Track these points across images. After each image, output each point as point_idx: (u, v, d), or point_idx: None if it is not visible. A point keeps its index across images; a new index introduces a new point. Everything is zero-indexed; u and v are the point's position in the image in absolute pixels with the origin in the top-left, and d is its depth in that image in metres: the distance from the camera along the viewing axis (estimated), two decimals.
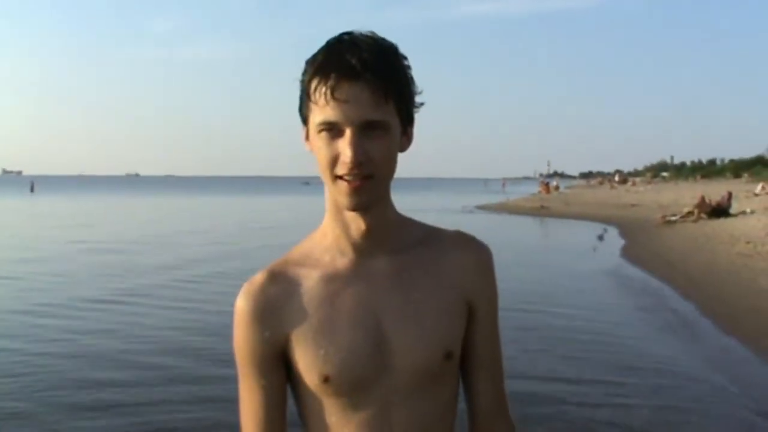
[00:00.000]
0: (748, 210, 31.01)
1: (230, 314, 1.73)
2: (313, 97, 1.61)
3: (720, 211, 31.12)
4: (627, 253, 23.05)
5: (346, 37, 1.64)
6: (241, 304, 1.73)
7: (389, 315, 1.71)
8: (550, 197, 64.33)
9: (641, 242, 25.61)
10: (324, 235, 1.78)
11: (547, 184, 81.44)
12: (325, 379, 1.67)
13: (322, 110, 1.60)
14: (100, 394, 8.73)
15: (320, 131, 1.62)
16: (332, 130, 1.60)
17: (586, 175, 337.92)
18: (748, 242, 20.87)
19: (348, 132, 1.60)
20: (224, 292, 14.04)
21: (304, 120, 1.68)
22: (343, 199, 1.64)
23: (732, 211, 31.34)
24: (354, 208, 1.66)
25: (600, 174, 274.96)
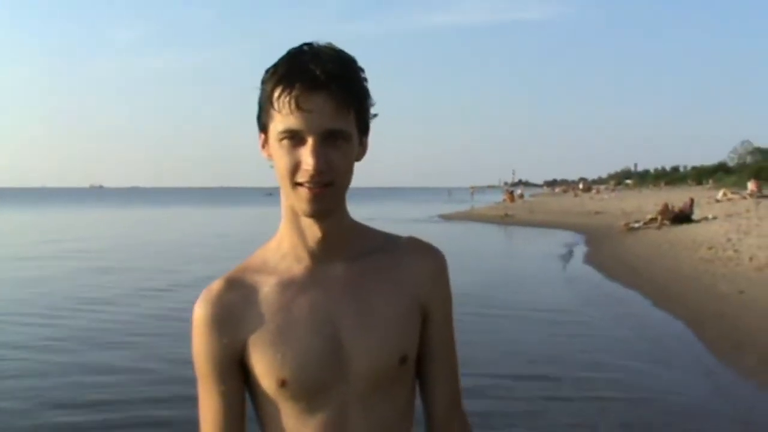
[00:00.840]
0: (710, 216, 31.30)
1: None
2: (276, 106, 1.63)
3: (683, 217, 31.40)
4: (591, 260, 23.16)
5: (306, 47, 1.66)
6: (199, 312, 1.75)
7: (345, 321, 1.73)
8: (515, 206, 64.60)
9: (605, 249, 25.78)
10: (280, 243, 1.80)
11: (511, 193, 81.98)
12: (282, 383, 1.69)
13: (285, 119, 1.62)
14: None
15: (282, 139, 1.64)
16: (294, 138, 1.63)
17: (551, 183, 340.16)
18: (710, 248, 21.05)
19: (310, 140, 1.63)
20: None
21: (263, 127, 1.70)
22: (303, 206, 1.67)
23: (694, 217, 31.62)
24: (313, 215, 1.69)
25: (564, 182, 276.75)
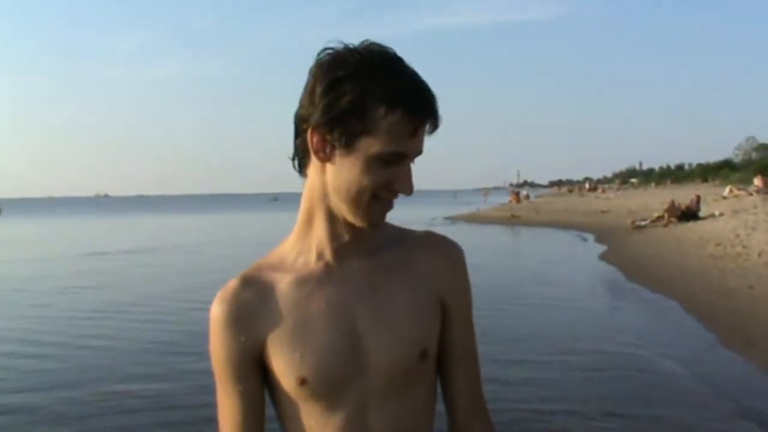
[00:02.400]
0: (717, 213, 31.19)
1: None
2: (384, 127, 1.59)
3: (689, 214, 31.34)
4: (604, 258, 23.12)
5: (399, 62, 1.64)
6: (216, 311, 1.73)
7: (364, 316, 1.71)
8: (521, 206, 64.56)
9: (613, 247, 25.69)
10: (297, 240, 1.79)
11: (517, 194, 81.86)
12: (302, 382, 1.67)
13: (394, 143, 1.60)
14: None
15: (380, 158, 1.61)
16: (393, 159, 1.62)
17: (556, 184, 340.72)
18: (717, 244, 21.00)
19: (406, 162, 1.65)
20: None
21: (342, 135, 1.62)
22: (371, 219, 1.69)
23: (701, 214, 31.55)
24: (376, 227, 1.72)
25: (569, 182, 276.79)
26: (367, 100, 1.58)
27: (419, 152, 1.66)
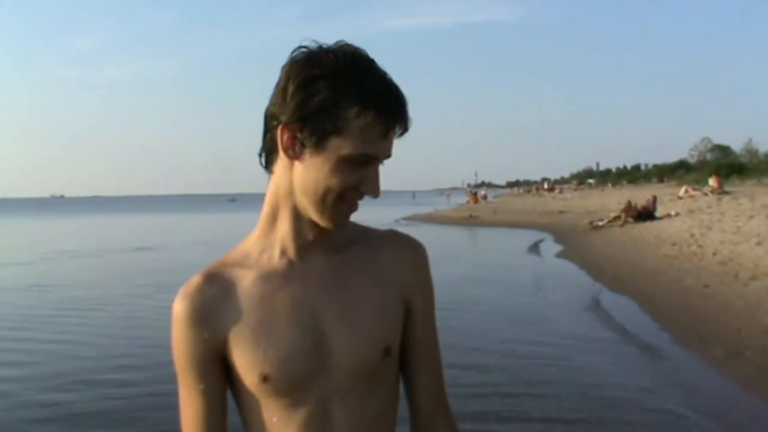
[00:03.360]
0: (673, 213, 31.47)
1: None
2: (355, 128, 1.60)
3: (646, 214, 31.61)
4: (561, 257, 23.27)
5: (373, 63, 1.65)
6: (179, 307, 1.71)
7: (327, 313, 1.71)
8: (479, 207, 64.76)
9: (570, 247, 25.88)
10: (261, 237, 1.78)
11: (475, 194, 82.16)
12: (265, 379, 1.66)
13: (365, 144, 1.61)
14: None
15: (349, 159, 1.62)
16: (362, 160, 1.63)
17: (514, 184, 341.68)
18: (673, 244, 21.23)
19: (375, 164, 1.66)
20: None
21: (313, 133, 1.62)
22: (336, 219, 1.70)
23: (657, 214, 31.83)
24: (339, 227, 1.72)
25: (527, 183, 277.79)
26: (340, 100, 1.58)
27: (388, 155, 1.67)
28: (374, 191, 1.67)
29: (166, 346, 1.79)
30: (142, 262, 27.94)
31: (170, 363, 1.77)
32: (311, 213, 1.69)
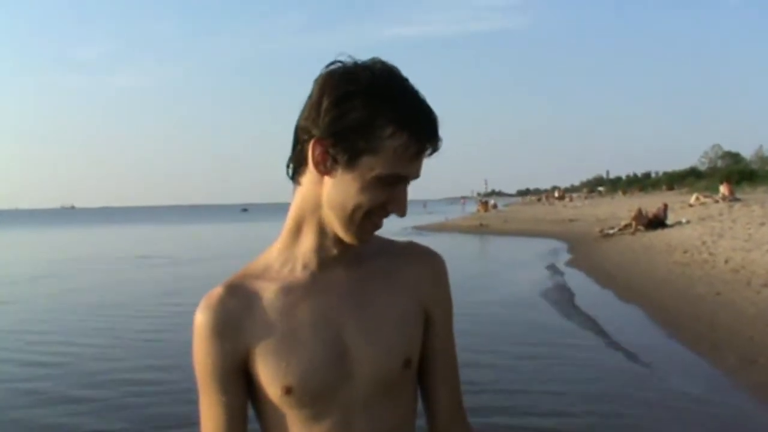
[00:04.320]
0: (684, 220, 31.39)
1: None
2: (389, 148, 1.60)
3: (657, 222, 31.54)
4: (572, 265, 23.22)
5: (407, 83, 1.65)
6: (201, 318, 1.71)
7: (349, 325, 1.72)
8: (489, 215, 64.74)
9: (581, 256, 25.82)
10: (284, 249, 1.78)
11: (485, 203, 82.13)
12: (287, 391, 1.67)
13: (397, 164, 1.61)
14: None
15: (380, 179, 1.62)
16: (393, 181, 1.63)
17: (524, 193, 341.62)
18: (685, 251, 21.16)
19: (403, 184, 1.67)
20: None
21: (353, 152, 1.61)
22: (361, 236, 1.70)
23: (668, 222, 31.76)
24: (364, 242, 1.72)
25: (537, 191, 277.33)
26: (375, 118, 1.58)
27: (417, 176, 1.68)
28: (401, 211, 1.69)
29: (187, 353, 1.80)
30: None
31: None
32: (337, 228, 1.70)
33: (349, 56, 1.64)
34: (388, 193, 1.65)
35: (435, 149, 1.66)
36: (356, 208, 1.65)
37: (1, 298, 20.83)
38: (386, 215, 1.70)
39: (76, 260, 34.85)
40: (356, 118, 1.58)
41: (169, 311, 16.83)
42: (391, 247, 1.87)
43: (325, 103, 1.60)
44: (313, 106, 1.63)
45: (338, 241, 1.74)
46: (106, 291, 22.11)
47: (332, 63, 1.64)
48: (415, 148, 1.61)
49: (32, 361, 12.20)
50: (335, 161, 1.63)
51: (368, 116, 1.58)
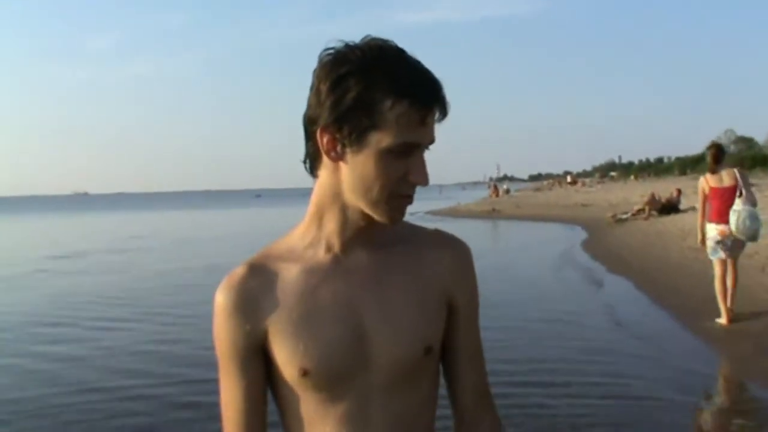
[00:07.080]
0: (697, 205, 31.29)
1: None
2: (392, 118, 1.58)
3: (670, 207, 31.51)
4: (585, 250, 23.23)
5: (401, 52, 1.64)
6: (221, 298, 1.73)
7: (369, 310, 1.72)
8: (501, 200, 64.56)
9: (594, 241, 25.78)
10: (307, 231, 1.78)
11: (496, 188, 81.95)
12: (304, 373, 1.67)
13: (404, 133, 1.59)
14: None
15: (391, 151, 1.60)
16: (405, 150, 1.61)
17: (536, 178, 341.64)
18: None
19: (418, 152, 1.64)
20: None
21: (358, 131, 1.61)
22: (393, 215, 1.69)
23: (681, 207, 31.68)
24: (396, 222, 1.71)
25: (549, 176, 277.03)
26: (372, 93, 1.57)
27: (431, 141, 1.65)
28: (422, 178, 1.65)
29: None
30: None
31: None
32: (368, 211, 1.69)
33: (340, 41, 1.64)
34: (405, 165, 1.63)
35: (444, 113, 1.65)
36: (378, 187, 1.63)
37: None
38: (412, 188, 1.67)
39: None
40: (354, 97, 1.58)
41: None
42: (417, 233, 1.87)
43: (322, 91, 1.61)
44: (313, 97, 1.64)
45: (362, 225, 1.73)
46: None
47: (324, 50, 1.64)
48: (419, 114, 1.59)
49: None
50: (344, 145, 1.63)
51: (365, 93, 1.58)
